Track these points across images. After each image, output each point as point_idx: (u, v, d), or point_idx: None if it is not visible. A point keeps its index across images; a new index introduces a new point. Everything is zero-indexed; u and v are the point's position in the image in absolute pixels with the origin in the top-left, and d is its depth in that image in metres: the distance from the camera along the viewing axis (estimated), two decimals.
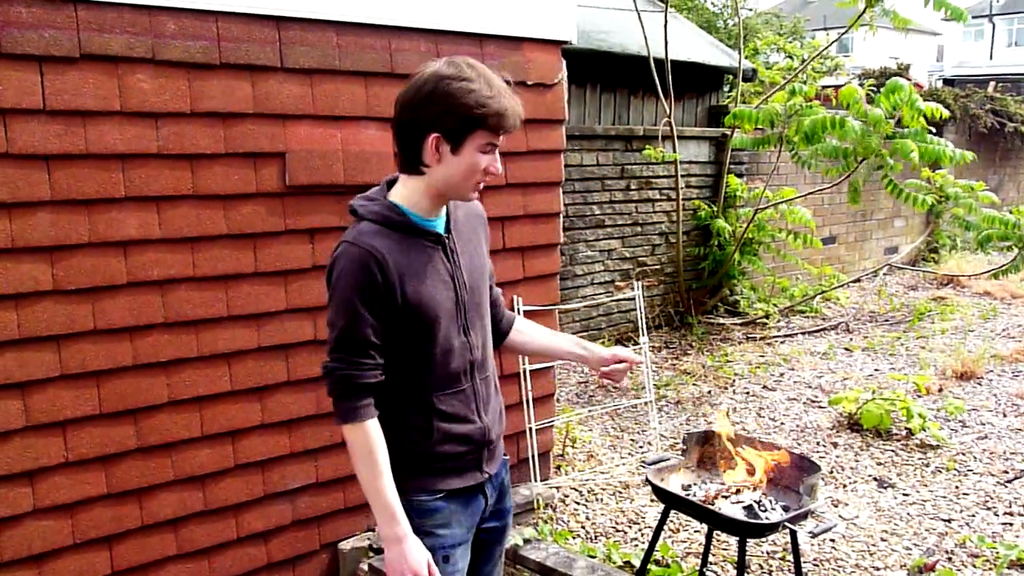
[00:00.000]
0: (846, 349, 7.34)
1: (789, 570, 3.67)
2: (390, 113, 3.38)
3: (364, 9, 3.28)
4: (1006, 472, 4.68)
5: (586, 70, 7.46)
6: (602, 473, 4.74)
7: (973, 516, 4.18)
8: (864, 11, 6.93)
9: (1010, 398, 5.90)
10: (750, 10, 19.69)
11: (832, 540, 3.94)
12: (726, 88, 9.41)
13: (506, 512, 2.35)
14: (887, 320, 8.38)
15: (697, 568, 3.56)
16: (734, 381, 6.41)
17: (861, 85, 6.82)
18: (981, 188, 7.99)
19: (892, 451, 4.99)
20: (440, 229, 2.10)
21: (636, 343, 6.95)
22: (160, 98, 2.91)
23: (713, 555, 3.73)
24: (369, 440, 1.98)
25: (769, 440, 4.86)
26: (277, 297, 3.27)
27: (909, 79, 8.16)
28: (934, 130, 6.79)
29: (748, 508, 2.96)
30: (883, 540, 3.96)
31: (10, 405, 2.76)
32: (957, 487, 4.51)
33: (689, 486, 3.16)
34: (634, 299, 5.14)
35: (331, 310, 2.00)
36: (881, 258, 10.72)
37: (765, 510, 2.95)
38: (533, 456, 4.21)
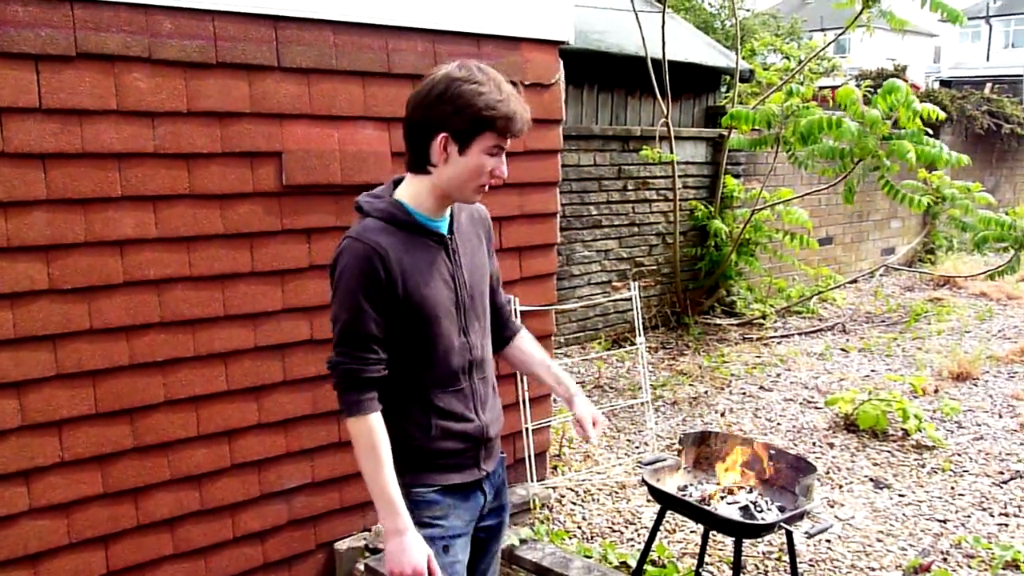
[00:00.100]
0: (842, 350, 7.34)
1: (785, 570, 3.67)
2: (387, 113, 3.43)
3: (361, 9, 3.27)
4: (1002, 473, 4.69)
5: (583, 70, 7.46)
6: (598, 473, 4.74)
7: (969, 517, 4.19)
8: (861, 12, 6.93)
9: (1006, 399, 5.91)
10: (747, 11, 19.70)
11: (828, 541, 3.95)
12: (723, 89, 9.41)
13: (503, 509, 2.38)
14: (883, 321, 8.40)
15: (693, 568, 3.56)
16: (730, 382, 6.41)
17: (858, 86, 6.82)
18: (977, 189, 8.01)
19: (888, 452, 5.00)
20: (444, 230, 2.13)
21: (633, 343, 6.95)
22: (156, 97, 2.90)
23: (709, 555, 3.74)
24: (372, 433, 2.01)
25: (765, 441, 4.87)
26: (274, 297, 3.27)
27: (906, 80, 8.16)
28: (931, 131, 6.80)
29: (744, 508, 2.96)
30: (879, 541, 3.97)
31: (6, 405, 2.75)
32: (953, 488, 4.51)
33: (685, 486, 3.16)
34: (631, 299, 5.14)
35: (334, 305, 2.03)
36: (878, 259, 10.73)
37: (761, 510, 2.95)
38: (530, 456, 4.21)
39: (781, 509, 2.97)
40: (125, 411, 2.99)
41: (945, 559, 3.79)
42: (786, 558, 3.46)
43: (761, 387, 6.28)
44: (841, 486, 4.57)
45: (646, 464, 3.22)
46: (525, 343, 2.44)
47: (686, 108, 8.71)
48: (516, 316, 3.93)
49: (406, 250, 2.03)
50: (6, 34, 2.61)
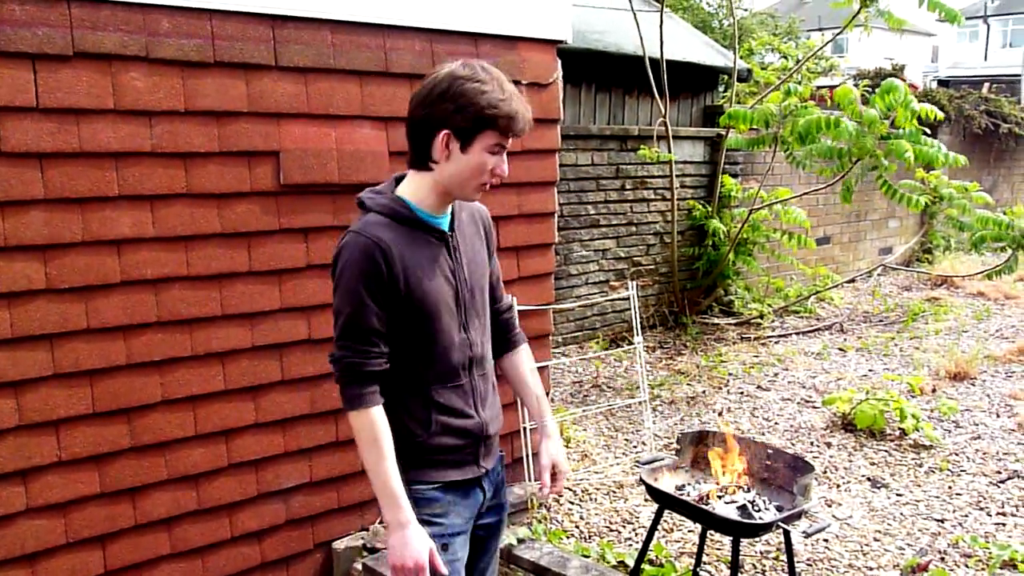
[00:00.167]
0: (840, 349, 7.35)
1: (783, 570, 3.67)
2: (385, 112, 3.43)
3: (359, 8, 3.27)
4: (999, 472, 4.69)
5: (581, 70, 7.46)
6: (596, 473, 4.74)
7: (966, 516, 4.19)
8: (859, 12, 6.94)
9: (1003, 399, 5.92)
10: (745, 10, 19.70)
11: (825, 540, 3.95)
12: (721, 88, 9.42)
13: (502, 507, 2.39)
14: (881, 320, 8.40)
15: (691, 568, 3.56)
16: (728, 381, 6.41)
17: (856, 86, 6.82)
18: (975, 189, 8.01)
19: (886, 451, 5.00)
20: (445, 227, 2.14)
21: (630, 343, 6.95)
22: (154, 96, 2.90)
23: (707, 555, 3.74)
24: (375, 427, 2.02)
25: (763, 440, 4.87)
26: (271, 296, 3.26)
27: (904, 80, 8.16)
28: (929, 131, 6.80)
29: (742, 508, 2.96)
30: (876, 540, 3.97)
31: (3, 404, 2.75)
32: (950, 487, 4.52)
33: (683, 486, 3.16)
34: (629, 299, 5.13)
35: (336, 299, 2.04)
36: (875, 258, 10.74)
37: (759, 510, 2.95)
38: (527, 455, 4.21)
39: (779, 508, 2.97)
40: (122, 411, 2.99)
41: (943, 558, 3.79)
42: (784, 557, 3.47)
43: (759, 387, 6.28)
44: (839, 485, 4.57)
45: (644, 463, 3.22)
46: (523, 361, 2.42)
47: (684, 107, 8.71)
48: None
49: (407, 246, 2.04)
50: (3, 33, 2.60)
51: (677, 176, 7.71)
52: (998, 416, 5.59)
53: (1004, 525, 4.09)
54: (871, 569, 3.72)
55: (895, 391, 5.70)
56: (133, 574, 3.10)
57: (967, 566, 3.72)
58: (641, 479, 3.15)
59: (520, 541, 3.63)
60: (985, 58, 41.01)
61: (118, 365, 2.95)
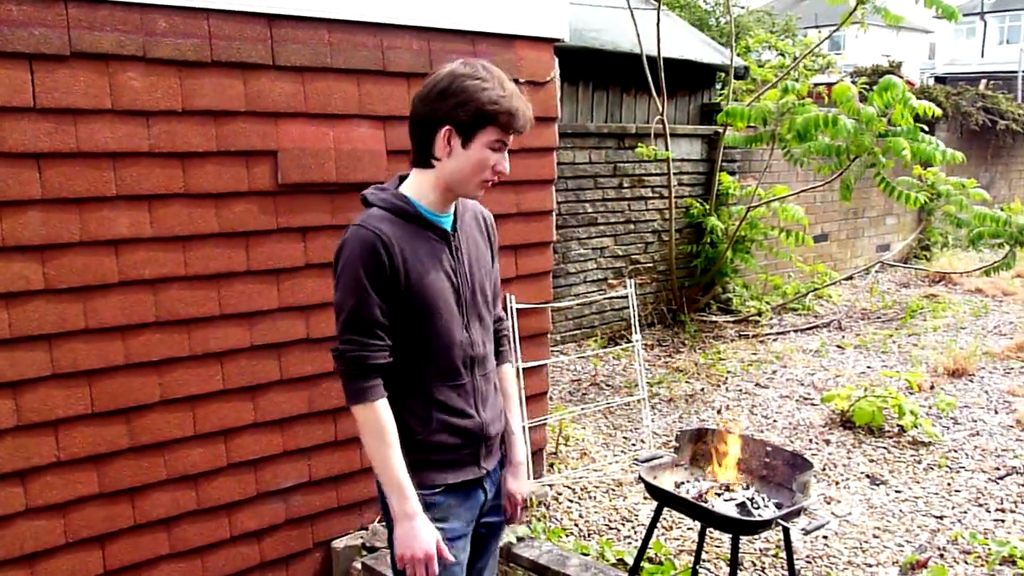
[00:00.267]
0: (838, 346, 7.35)
1: (782, 567, 3.68)
2: (382, 111, 3.43)
3: (356, 7, 3.27)
4: (997, 469, 4.70)
5: (578, 68, 7.45)
6: (595, 471, 4.74)
7: (965, 513, 4.20)
8: (855, 8, 6.94)
9: (1001, 395, 5.92)
10: (742, 8, 19.68)
11: (825, 537, 3.95)
12: (718, 86, 9.41)
13: (503, 508, 2.38)
14: (879, 317, 8.41)
15: (690, 565, 3.56)
16: (727, 379, 6.42)
17: (853, 83, 6.81)
18: (972, 185, 8.02)
19: (884, 448, 5.00)
20: (447, 226, 2.15)
21: (629, 341, 6.95)
22: (151, 96, 2.90)
23: (706, 552, 3.74)
24: (380, 419, 2.03)
25: (762, 438, 4.87)
26: (269, 296, 3.26)
27: (901, 77, 8.17)
28: (926, 128, 6.81)
29: (741, 505, 2.96)
30: (875, 537, 3.98)
31: (1, 405, 2.75)
32: (949, 484, 4.52)
33: (682, 483, 3.16)
34: (627, 297, 5.13)
35: (339, 293, 2.04)
36: (873, 256, 10.75)
37: (758, 507, 2.95)
38: (528, 454, 4.21)
39: (778, 506, 2.97)
40: (121, 411, 2.99)
41: (942, 555, 3.80)
42: (783, 555, 3.47)
43: (757, 384, 6.29)
44: (837, 483, 4.58)
45: (643, 461, 3.21)
46: (506, 382, 2.40)
47: (681, 105, 8.71)
48: (513, 313, 3.93)
49: (409, 241, 2.05)
50: (0, 33, 2.60)
51: (675, 174, 7.70)
52: (996, 412, 5.59)
53: (1003, 521, 4.10)
54: (870, 566, 3.72)
55: (893, 388, 5.70)
56: (132, 574, 3.10)
57: (966, 562, 3.72)
58: (640, 477, 3.14)
59: (519, 539, 3.63)
60: (982, 55, 41.04)
61: (116, 365, 2.95)
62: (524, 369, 4.15)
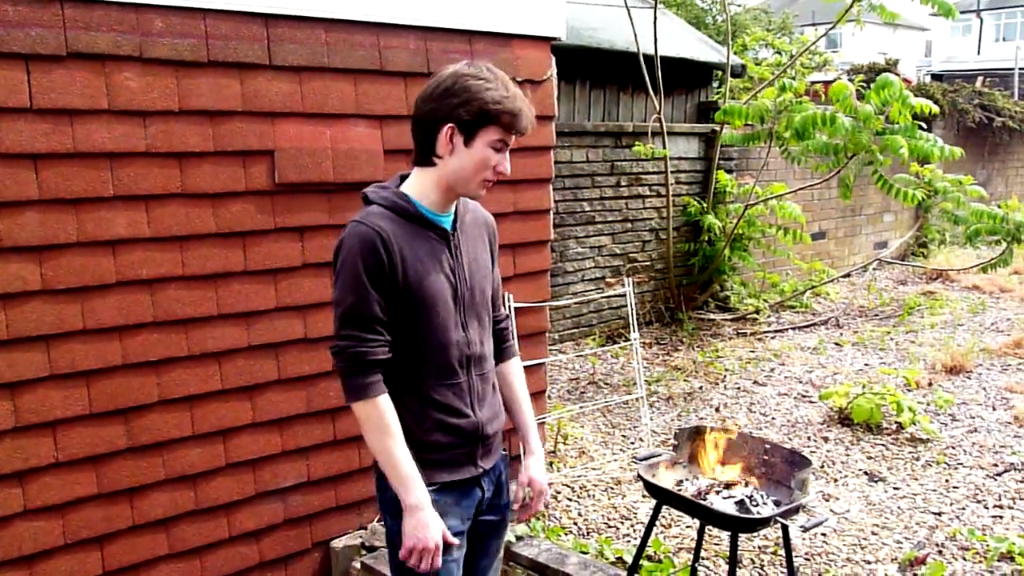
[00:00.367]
0: (836, 344, 7.36)
1: (781, 564, 3.68)
2: (379, 111, 3.42)
3: (353, 6, 3.27)
4: (996, 465, 4.70)
5: (575, 66, 7.46)
6: (594, 469, 4.74)
7: (963, 509, 4.20)
8: (851, 6, 6.94)
9: (999, 391, 5.93)
10: (739, 6, 19.70)
11: (823, 534, 3.96)
12: (715, 84, 9.42)
13: (504, 507, 2.38)
14: (877, 315, 8.41)
15: (689, 563, 3.56)
16: (725, 376, 6.42)
17: (850, 81, 6.81)
18: (969, 182, 8.02)
19: (882, 445, 5.01)
20: (447, 225, 2.16)
21: (627, 339, 6.96)
22: (148, 96, 2.89)
23: (705, 550, 3.74)
24: (382, 414, 2.03)
25: (760, 435, 4.87)
26: (267, 296, 3.26)
27: (898, 74, 8.18)
28: (923, 125, 6.81)
29: (740, 503, 2.96)
30: (874, 534, 3.98)
31: (0, 405, 2.75)
32: (947, 480, 4.53)
33: (681, 481, 3.16)
34: (625, 295, 5.14)
35: (338, 289, 2.05)
36: (870, 253, 10.76)
37: (757, 505, 2.95)
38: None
39: (777, 503, 2.97)
40: (119, 411, 2.98)
41: (940, 551, 3.80)
42: (782, 552, 3.47)
43: (755, 382, 6.29)
44: (836, 480, 4.58)
45: (641, 459, 3.21)
46: (513, 372, 2.43)
47: (678, 104, 8.71)
48: (512, 312, 3.93)
49: (408, 239, 2.06)
50: None
51: (672, 172, 7.71)
52: (994, 409, 5.60)
53: (1001, 518, 4.10)
54: (869, 563, 3.73)
55: (891, 385, 5.70)
56: (131, 575, 3.09)
57: (965, 559, 3.73)
58: (639, 475, 3.15)
59: (519, 538, 3.63)
60: (978, 52, 41.06)
61: (114, 365, 2.95)
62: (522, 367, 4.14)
